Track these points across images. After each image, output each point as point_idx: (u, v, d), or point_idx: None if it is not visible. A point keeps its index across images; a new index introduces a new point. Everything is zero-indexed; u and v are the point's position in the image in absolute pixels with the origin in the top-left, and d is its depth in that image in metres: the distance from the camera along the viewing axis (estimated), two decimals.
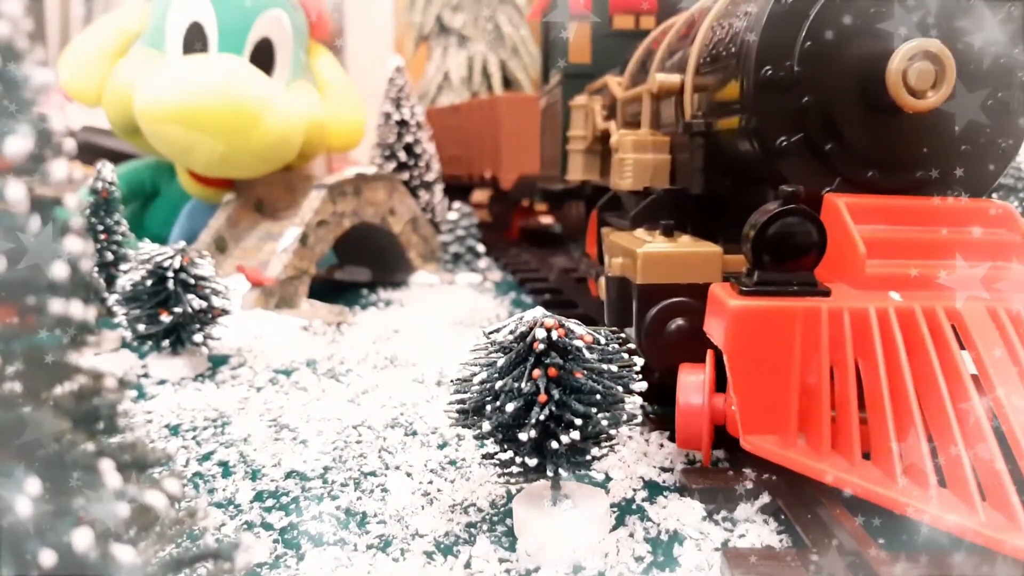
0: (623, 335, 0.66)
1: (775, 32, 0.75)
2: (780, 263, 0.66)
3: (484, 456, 0.63)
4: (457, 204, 2.06)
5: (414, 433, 0.89)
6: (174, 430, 0.91)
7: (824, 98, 0.75)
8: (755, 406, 0.65)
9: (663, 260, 0.79)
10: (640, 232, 0.87)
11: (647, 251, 0.79)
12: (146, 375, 1.12)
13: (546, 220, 2.99)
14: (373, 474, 0.78)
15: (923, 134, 0.75)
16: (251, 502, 0.72)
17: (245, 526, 0.68)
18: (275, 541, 0.65)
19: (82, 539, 0.33)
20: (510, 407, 0.59)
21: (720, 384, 0.72)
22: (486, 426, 0.61)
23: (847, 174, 0.76)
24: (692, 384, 0.72)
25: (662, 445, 0.83)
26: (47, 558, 0.32)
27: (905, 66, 0.70)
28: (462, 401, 0.64)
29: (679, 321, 0.78)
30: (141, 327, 1.10)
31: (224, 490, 0.75)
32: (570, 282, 1.75)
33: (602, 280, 0.96)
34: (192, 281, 1.10)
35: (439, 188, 2.19)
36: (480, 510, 0.70)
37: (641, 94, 1.04)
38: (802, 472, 0.62)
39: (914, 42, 0.70)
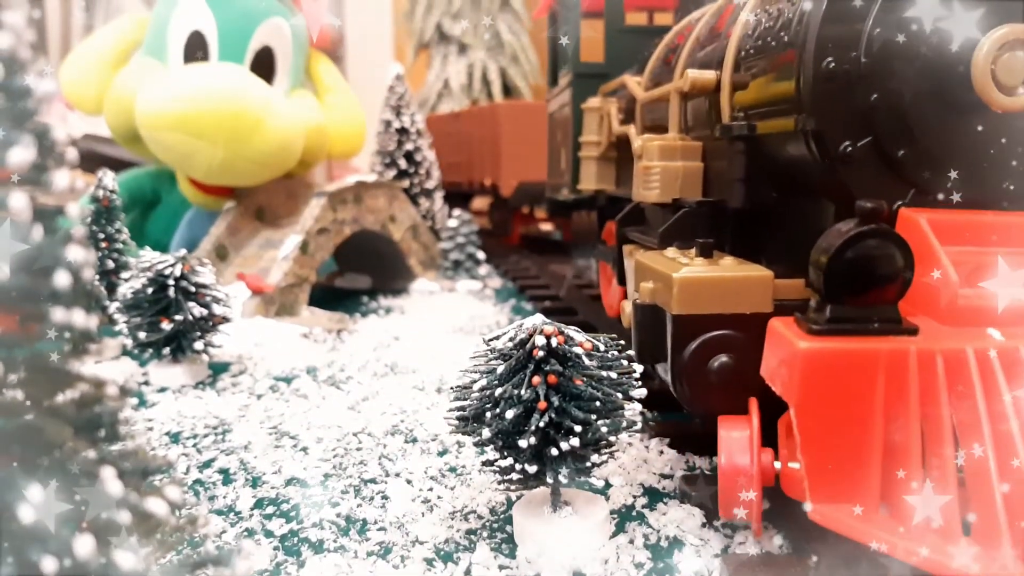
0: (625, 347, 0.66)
1: (838, 18, 0.64)
2: (859, 295, 0.55)
3: (484, 463, 0.64)
4: (457, 211, 2.06)
5: (414, 440, 0.89)
6: (175, 437, 0.91)
7: (896, 95, 0.63)
8: (828, 469, 0.54)
9: (704, 286, 0.66)
10: (672, 252, 0.76)
11: (684, 276, 0.66)
12: (147, 383, 1.13)
13: (546, 227, 3.00)
14: (373, 481, 0.78)
15: (1014, 138, 0.63)
16: (251, 509, 0.72)
17: (246, 533, 0.68)
18: (275, 548, 0.65)
19: (84, 546, 0.33)
20: (510, 414, 0.59)
21: (764, 437, 0.62)
22: (486, 433, 0.61)
23: (923, 185, 0.64)
24: (736, 441, 0.61)
25: (662, 452, 0.83)
26: (49, 564, 0.32)
27: (994, 57, 0.59)
28: (462, 408, 0.64)
29: (723, 358, 0.66)
30: (142, 335, 1.10)
31: (225, 497, 0.75)
32: (580, 296, 1.65)
33: (626, 306, 0.84)
34: (193, 289, 1.10)
35: (439, 195, 2.20)
36: (480, 517, 0.70)
37: (667, 94, 0.93)
38: (888, 552, 0.51)
39: (1004, 29, 0.59)
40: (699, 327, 0.67)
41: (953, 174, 0.64)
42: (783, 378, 0.57)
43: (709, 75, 0.83)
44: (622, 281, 1.02)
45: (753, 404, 0.63)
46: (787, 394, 0.55)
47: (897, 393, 0.53)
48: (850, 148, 0.64)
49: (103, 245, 1.35)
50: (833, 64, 0.64)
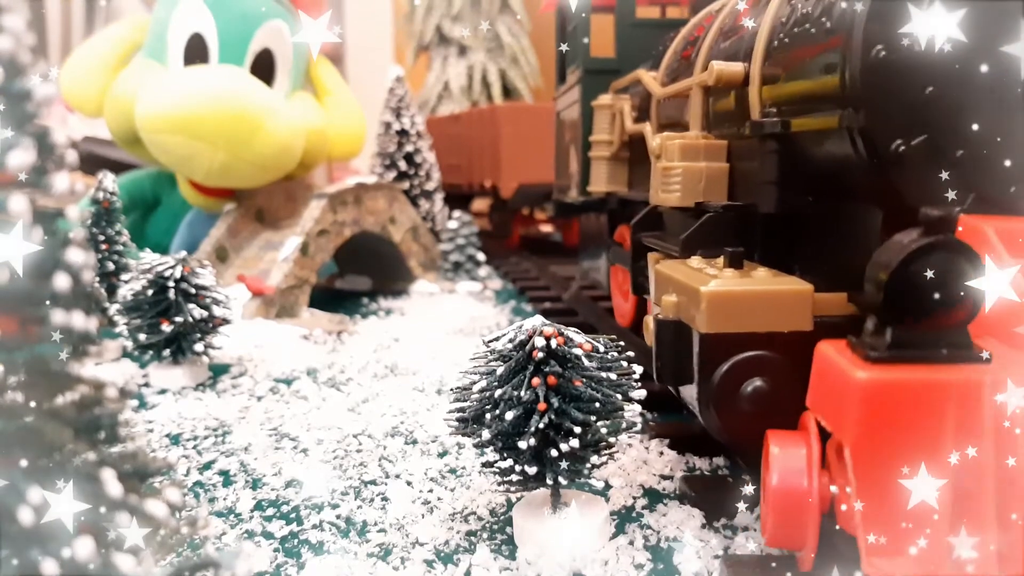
0: (623, 344, 0.66)
1: (889, 1, 0.56)
2: (924, 317, 0.48)
3: (484, 464, 0.64)
4: (457, 213, 2.07)
5: (414, 442, 0.89)
6: (175, 439, 0.91)
7: (954, 88, 0.56)
8: (888, 518, 0.47)
9: (736, 301, 0.59)
10: (697, 262, 0.70)
11: (714, 290, 0.60)
12: (147, 384, 1.13)
13: (546, 228, 3.00)
14: (373, 482, 0.78)
15: None
16: (252, 511, 0.72)
17: (246, 535, 0.68)
18: (276, 550, 0.65)
19: (84, 548, 0.33)
20: (509, 415, 0.60)
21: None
22: (486, 434, 0.62)
23: (983, 189, 0.57)
24: (791, 459, 0.54)
25: (662, 453, 0.83)
26: (49, 567, 0.32)
27: None
28: (462, 410, 0.64)
29: (756, 382, 0.59)
30: (142, 337, 1.10)
31: (225, 499, 0.75)
32: (588, 303, 1.55)
33: (648, 321, 0.78)
34: (193, 291, 1.10)
35: (439, 197, 2.20)
36: (480, 518, 0.70)
37: (688, 89, 0.87)
38: None
39: None
40: (730, 347, 0.60)
41: (1015, 178, 0.57)
42: (835, 412, 0.51)
43: (736, 67, 0.76)
44: (636, 290, 0.97)
45: (809, 418, 0.56)
46: (840, 431, 0.50)
47: (968, 431, 0.47)
48: (902, 147, 0.57)
49: (103, 247, 1.35)
50: (884, 53, 0.56)
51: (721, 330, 0.60)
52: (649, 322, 0.76)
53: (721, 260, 0.66)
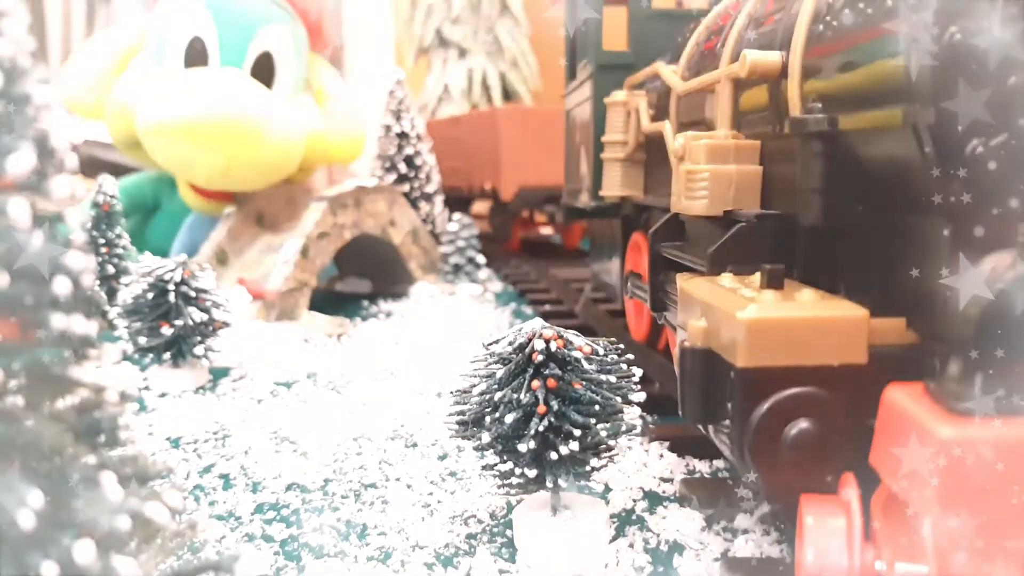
0: (622, 347, 0.66)
1: None
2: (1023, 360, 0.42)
3: (484, 467, 0.64)
4: (457, 215, 2.06)
5: (414, 445, 0.89)
6: (175, 443, 0.91)
7: None
8: None
9: (780, 330, 0.51)
10: (729, 280, 0.62)
11: (754, 317, 0.51)
12: (147, 388, 1.13)
13: (546, 231, 3.00)
14: (373, 486, 0.78)
15: None
16: (252, 514, 0.72)
17: (246, 538, 0.68)
18: (276, 553, 0.65)
19: (84, 551, 0.33)
20: (509, 418, 0.60)
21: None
22: (486, 437, 0.62)
23: None
24: (828, 531, 0.47)
25: (662, 455, 0.83)
26: (49, 570, 0.32)
27: None
28: (462, 412, 0.64)
29: (802, 424, 0.51)
30: (142, 340, 1.10)
31: (225, 502, 0.75)
32: (599, 315, 1.46)
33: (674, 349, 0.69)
34: (193, 294, 1.10)
35: (439, 199, 2.20)
36: (480, 521, 0.70)
37: (714, 83, 0.79)
38: None
39: None
40: (770, 383, 0.52)
41: None
42: (912, 478, 0.43)
43: (773, 57, 0.69)
44: (655, 307, 0.89)
45: (850, 480, 0.49)
46: (919, 501, 0.42)
47: None
48: (980, 148, 0.47)
49: (103, 250, 1.35)
50: (959, 36, 0.46)
51: (761, 363, 0.52)
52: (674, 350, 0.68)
53: (757, 279, 0.58)
